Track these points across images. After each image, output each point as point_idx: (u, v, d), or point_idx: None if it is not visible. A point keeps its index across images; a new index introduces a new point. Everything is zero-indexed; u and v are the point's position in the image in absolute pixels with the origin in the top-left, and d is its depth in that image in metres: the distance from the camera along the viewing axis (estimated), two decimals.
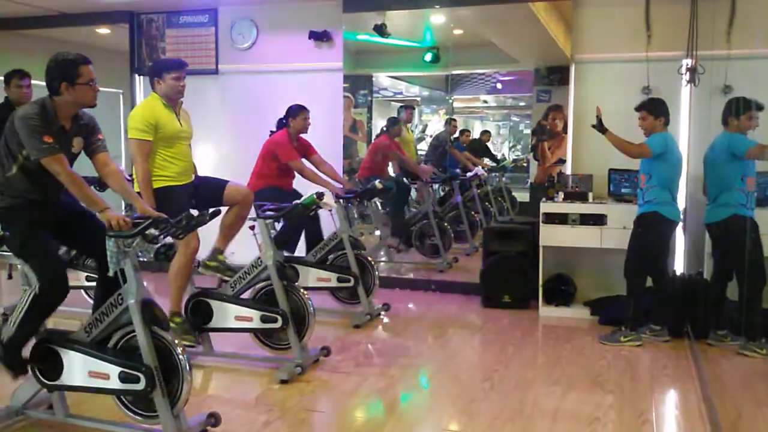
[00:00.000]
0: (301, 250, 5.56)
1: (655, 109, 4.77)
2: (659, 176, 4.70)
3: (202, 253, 4.37)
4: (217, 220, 3.99)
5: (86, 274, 4.96)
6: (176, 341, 3.17)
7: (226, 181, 4.39)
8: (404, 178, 7.00)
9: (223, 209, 4.19)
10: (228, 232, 4.43)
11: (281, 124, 5.51)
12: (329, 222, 5.38)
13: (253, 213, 4.35)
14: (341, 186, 5.44)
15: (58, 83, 3.17)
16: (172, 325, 4.09)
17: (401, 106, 7.19)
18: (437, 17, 6.71)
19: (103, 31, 7.61)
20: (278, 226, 4.47)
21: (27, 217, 3.20)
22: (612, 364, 4.38)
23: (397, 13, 6.51)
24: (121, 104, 7.78)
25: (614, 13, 5.76)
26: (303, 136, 5.53)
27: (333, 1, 6.43)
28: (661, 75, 5.56)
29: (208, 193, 4.33)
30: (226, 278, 4.35)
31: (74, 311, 4.56)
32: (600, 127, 4.82)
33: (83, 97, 3.23)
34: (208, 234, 4.24)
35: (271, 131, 5.55)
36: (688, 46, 5.11)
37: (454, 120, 7.16)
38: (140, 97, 7.20)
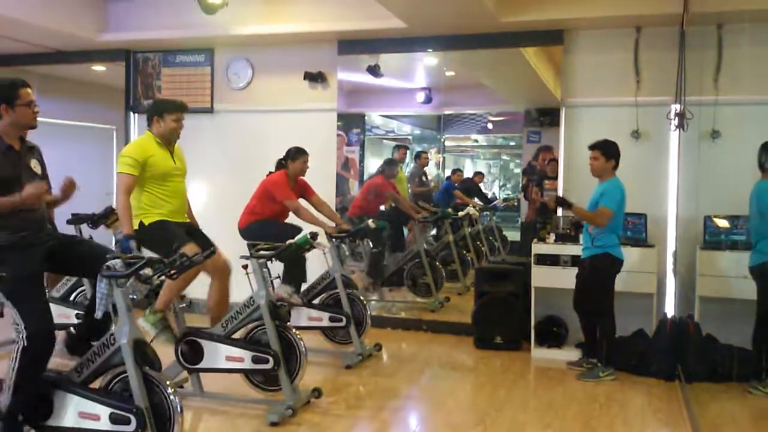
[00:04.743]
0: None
1: (607, 151, 4.92)
2: (610, 223, 4.84)
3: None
4: None
5: (76, 312, 4.93)
6: (168, 382, 3.15)
7: (216, 248, 4.20)
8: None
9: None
10: (216, 314, 4.31)
11: (280, 165, 5.53)
12: (321, 261, 5.37)
13: (246, 252, 4.35)
14: (334, 225, 5.45)
15: None
16: (150, 319, 4.03)
17: (396, 146, 7.25)
18: (430, 59, 6.82)
19: (99, 68, 7.68)
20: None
21: (19, 257, 3.18)
22: (604, 408, 4.37)
23: (390, 54, 6.61)
24: (114, 141, 7.83)
25: (604, 58, 5.88)
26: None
27: (328, 43, 6.53)
28: (650, 119, 5.67)
29: (198, 242, 4.26)
30: (164, 339, 4.10)
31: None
32: (565, 203, 5.04)
33: (23, 117, 3.26)
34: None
35: (270, 172, 5.56)
36: (677, 91, 5.21)
37: (424, 153, 7.25)
38: (134, 134, 7.23)
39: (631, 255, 5.14)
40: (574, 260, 5.35)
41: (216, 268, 4.23)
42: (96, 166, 8.01)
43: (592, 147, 4.97)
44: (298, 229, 5.10)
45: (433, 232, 7.11)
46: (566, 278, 5.33)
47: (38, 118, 3.34)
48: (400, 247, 6.89)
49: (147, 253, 3.70)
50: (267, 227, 5.24)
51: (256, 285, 4.21)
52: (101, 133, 8.06)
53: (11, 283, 3.13)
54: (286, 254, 4.51)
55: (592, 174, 4.99)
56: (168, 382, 3.16)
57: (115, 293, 3.11)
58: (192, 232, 4.35)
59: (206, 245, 4.15)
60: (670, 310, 5.46)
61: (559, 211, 5.93)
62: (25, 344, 3.08)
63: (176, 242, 3.89)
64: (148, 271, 3.14)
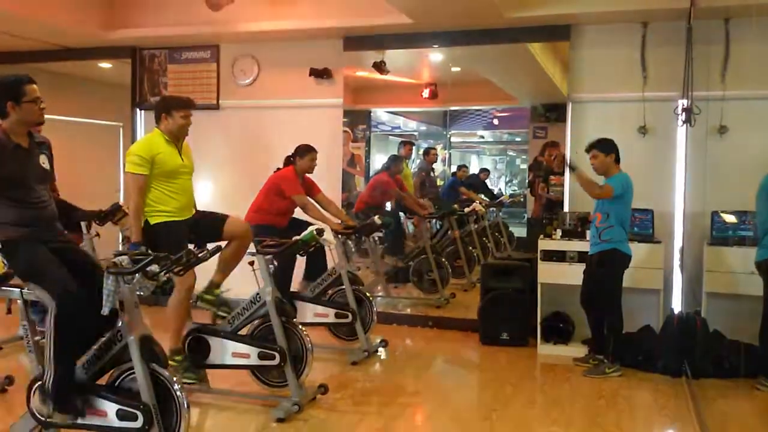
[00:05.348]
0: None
1: (603, 147, 4.91)
2: (617, 216, 4.84)
3: (200, 286, 4.36)
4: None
5: None
6: (174, 378, 3.16)
7: (227, 216, 4.38)
8: (402, 213, 7.04)
9: (223, 243, 4.18)
10: (226, 266, 4.38)
11: (288, 161, 5.54)
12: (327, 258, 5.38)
13: (252, 248, 4.36)
14: (340, 222, 5.46)
15: (4, 103, 3.21)
16: (172, 363, 4.07)
17: (401, 142, 7.25)
18: (435, 55, 6.81)
19: (105, 65, 7.69)
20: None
21: (28, 245, 3.21)
22: (611, 404, 4.36)
23: (396, 50, 6.59)
24: (120, 137, 7.84)
25: (610, 54, 5.85)
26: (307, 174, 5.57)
27: (333, 39, 6.52)
28: (657, 115, 5.64)
29: (207, 227, 4.32)
30: (221, 314, 4.29)
31: None
32: (572, 165, 5.02)
33: (29, 114, 3.27)
34: (208, 267, 4.22)
35: (277, 168, 5.57)
36: (684, 86, 5.19)
37: (433, 149, 7.24)
38: (141, 130, 7.25)
39: (638, 251, 5.11)
40: (581, 256, 5.33)
41: (236, 233, 4.31)
42: (102, 163, 8.04)
43: (588, 149, 4.97)
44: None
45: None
46: (573, 274, 5.31)
47: (44, 115, 3.35)
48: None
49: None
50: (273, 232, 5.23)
51: (262, 281, 4.22)
52: (108, 130, 8.07)
53: (25, 261, 3.16)
54: (289, 253, 4.52)
55: (596, 173, 4.97)
56: (175, 378, 3.17)
57: (122, 290, 3.12)
58: (200, 221, 4.37)
59: (217, 226, 4.25)
60: (677, 306, 5.45)
61: (566, 207, 5.92)
62: (56, 311, 3.08)
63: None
64: (154, 267, 3.14)
